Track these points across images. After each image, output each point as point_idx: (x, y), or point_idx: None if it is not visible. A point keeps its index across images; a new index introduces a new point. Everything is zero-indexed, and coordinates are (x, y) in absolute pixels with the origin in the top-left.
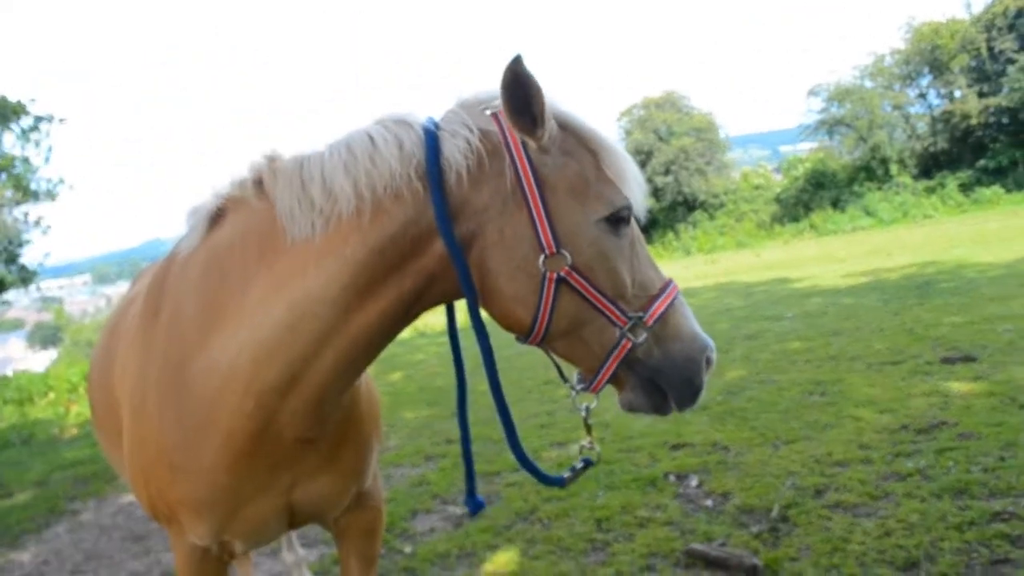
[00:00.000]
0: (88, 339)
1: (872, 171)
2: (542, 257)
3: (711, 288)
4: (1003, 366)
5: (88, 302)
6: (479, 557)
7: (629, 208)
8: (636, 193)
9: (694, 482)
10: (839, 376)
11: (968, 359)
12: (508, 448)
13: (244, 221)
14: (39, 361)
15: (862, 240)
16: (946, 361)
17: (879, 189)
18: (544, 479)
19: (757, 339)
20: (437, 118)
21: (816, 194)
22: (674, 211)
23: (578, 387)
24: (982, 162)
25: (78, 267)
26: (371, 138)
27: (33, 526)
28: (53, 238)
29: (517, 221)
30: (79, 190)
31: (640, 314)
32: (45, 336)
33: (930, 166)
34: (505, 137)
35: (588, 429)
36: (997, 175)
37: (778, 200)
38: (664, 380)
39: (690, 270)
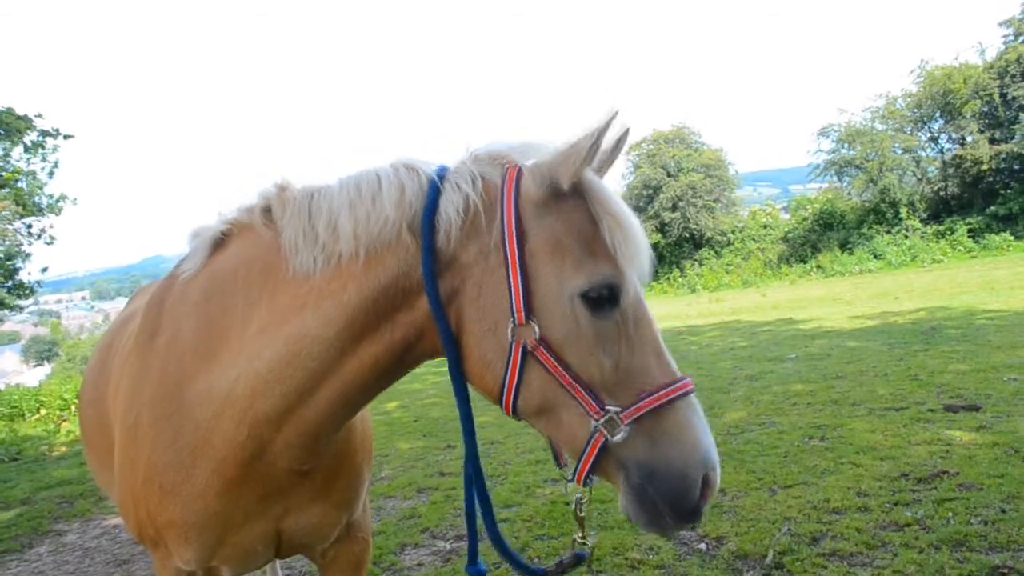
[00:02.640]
0: (84, 355)
1: (881, 213)
2: (511, 324)
3: (715, 326)
4: (1007, 416)
5: (86, 317)
6: None
7: (611, 287)
8: (638, 271)
9: None
10: (840, 421)
11: (972, 408)
12: (487, 531)
13: (249, 248)
14: (33, 376)
15: (869, 283)
16: (949, 409)
17: (888, 232)
18: (525, 570)
19: (759, 380)
20: (449, 166)
21: (824, 235)
22: (680, 247)
23: (569, 476)
24: (992, 208)
25: (77, 282)
26: (379, 181)
27: (16, 545)
28: (53, 251)
29: (495, 281)
30: (81, 204)
31: (618, 408)
32: (40, 351)
33: (940, 210)
34: (503, 192)
35: (579, 522)
36: (1007, 222)
37: (785, 240)
38: (655, 489)
39: (694, 308)
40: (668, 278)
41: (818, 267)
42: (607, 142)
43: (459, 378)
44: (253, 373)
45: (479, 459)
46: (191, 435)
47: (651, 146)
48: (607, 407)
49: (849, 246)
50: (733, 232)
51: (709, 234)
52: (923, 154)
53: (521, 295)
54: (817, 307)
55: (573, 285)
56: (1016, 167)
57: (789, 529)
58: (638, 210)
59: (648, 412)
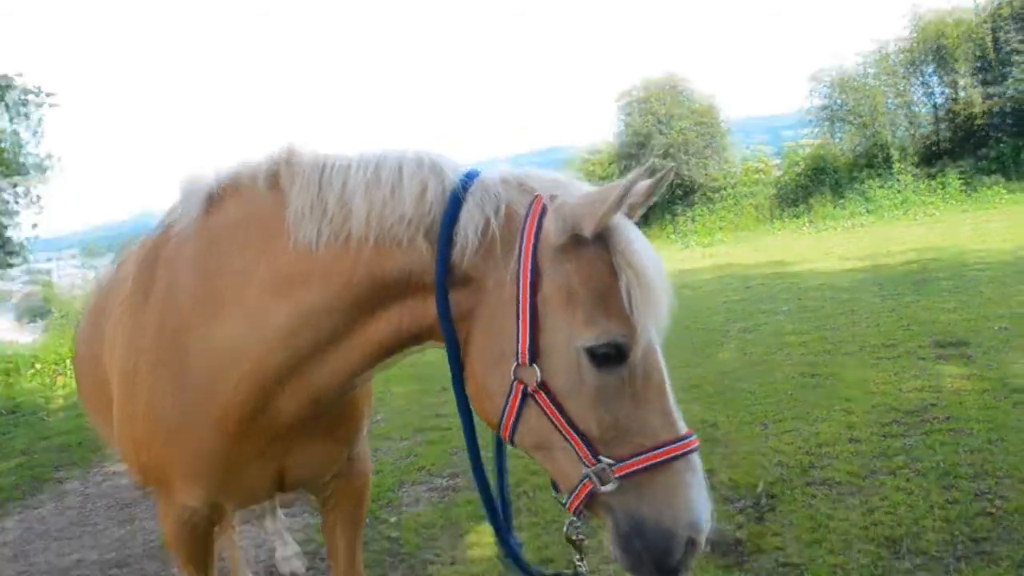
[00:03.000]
0: (77, 312)
1: (873, 163)
2: (514, 364)
3: (709, 280)
4: (996, 359)
5: (77, 275)
6: (463, 528)
7: (619, 347)
8: (655, 327)
9: None
10: (832, 366)
11: (962, 351)
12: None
13: (249, 209)
14: (27, 334)
15: (861, 232)
16: (940, 353)
17: (881, 184)
18: (523, 567)
19: (753, 331)
20: (476, 176)
21: (816, 185)
22: (672, 198)
23: (563, 500)
24: (984, 155)
25: (67, 241)
26: (400, 170)
27: (18, 494)
28: (42, 211)
29: (504, 316)
30: (69, 163)
31: (611, 461)
32: (33, 310)
33: (932, 159)
34: (524, 227)
35: (574, 546)
36: (1000, 170)
37: (777, 190)
38: (641, 542)
39: (687, 261)
40: (660, 229)
41: (810, 218)
42: (642, 187)
43: (462, 394)
44: (258, 337)
45: (484, 472)
46: (193, 385)
47: (641, 93)
48: (600, 458)
49: (841, 195)
50: (725, 186)
51: (701, 185)
52: (916, 103)
53: (528, 338)
54: (810, 257)
55: (581, 339)
56: (1009, 115)
57: (780, 462)
58: (629, 160)
59: (640, 469)
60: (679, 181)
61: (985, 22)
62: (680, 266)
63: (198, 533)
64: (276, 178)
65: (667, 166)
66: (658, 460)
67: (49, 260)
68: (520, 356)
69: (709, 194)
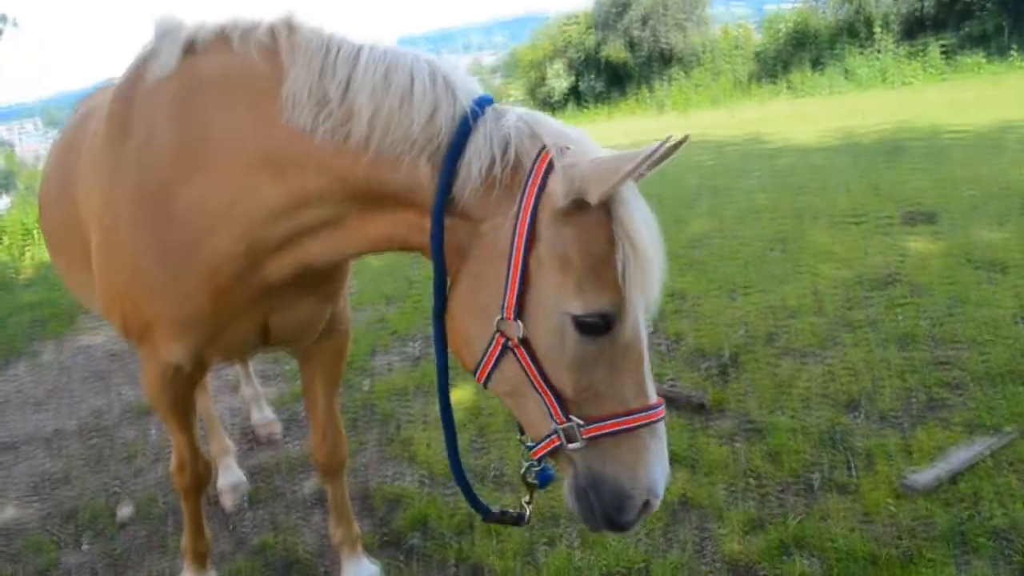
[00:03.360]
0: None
1: (855, 31)
2: (498, 317)
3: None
4: (962, 227)
5: (40, 146)
6: (435, 393)
7: (606, 317)
8: (645, 302)
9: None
10: (801, 231)
11: (929, 219)
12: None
13: (238, 68)
14: None
15: (839, 102)
16: (907, 220)
17: (860, 51)
18: (474, 501)
19: (724, 195)
20: (488, 103)
21: (796, 53)
22: (649, 65)
23: (528, 441)
24: (967, 28)
25: (27, 109)
26: (411, 81)
27: None
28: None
29: (495, 267)
30: (26, 26)
31: (581, 422)
32: None
33: (914, 29)
34: (527, 182)
35: (527, 487)
36: (981, 42)
37: (757, 58)
38: (596, 496)
39: (662, 125)
40: (637, 96)
41: (788, 86)
42: (656, 156)
43: (441, 327)
44: (253, 206)
45: (450, 406)
46: (181, 242)
47: None
48: (571, 417)
49: (821, 65)
50: (704, 51)
51: (679, 52)
52: None
53: (515, 296)
54: (785, 125)
55: (569, 306)
56: None
57: (746, 329)
58: (607, 27)
59: (607, 434)
60: (657, 48)
61: None
62: (654, 135)
63: (181, 386)
64: (274, 49)
65: (682, 135)
66: (624, 428)
67: (10, 131)
68: (505, 311)
69: (688, 57)
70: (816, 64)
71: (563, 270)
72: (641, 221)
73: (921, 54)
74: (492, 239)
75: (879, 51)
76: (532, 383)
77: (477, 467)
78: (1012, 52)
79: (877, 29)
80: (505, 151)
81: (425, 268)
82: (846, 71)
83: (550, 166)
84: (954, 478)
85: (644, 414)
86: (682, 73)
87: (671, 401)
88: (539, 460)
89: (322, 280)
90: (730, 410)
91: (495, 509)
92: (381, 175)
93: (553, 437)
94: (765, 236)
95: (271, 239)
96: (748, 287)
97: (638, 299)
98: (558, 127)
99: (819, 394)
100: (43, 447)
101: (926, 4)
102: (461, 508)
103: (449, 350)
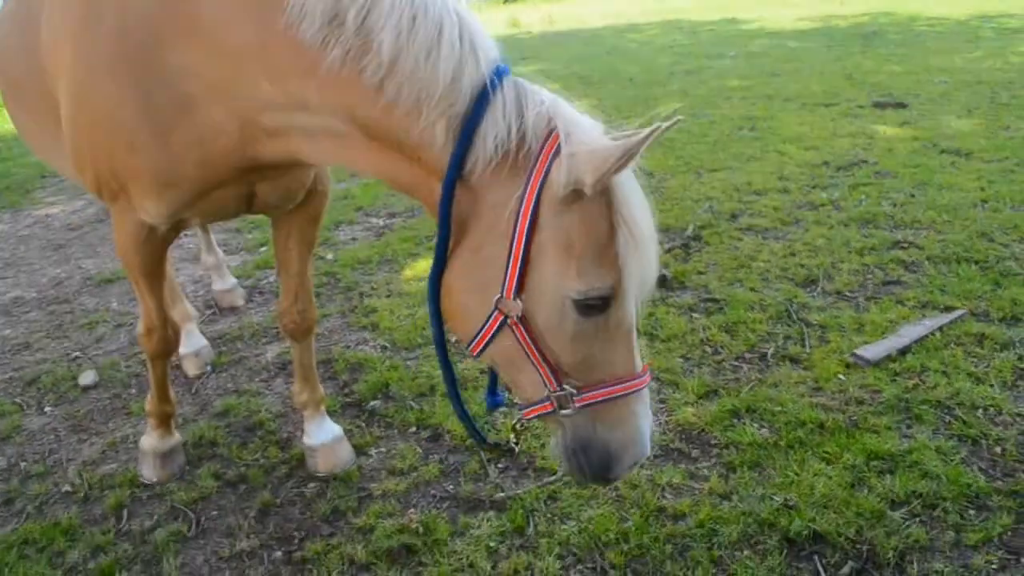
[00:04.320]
0: None
1: None
2: (498, 295)
3: (656, 24)
4: (931, 114)
5: None
6: (399, 264)
7: (605, 299)
8: (641, 284)
9: None
10: (772, 114)
11: (899, 105)
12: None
13: None
14: None
15: None
16: (877, 106)
17: None
18: (473, 431)
19: (696, 75)
20: (505, 73)
21: None
22: None
23: (520, 405)
24: None
25: None
26: (440, 34)
27: None
28: None
29: (496, 248)
30: None
31: (574, 391)
32: None
33: None
34: (533, 167)
35: (516, 434)
36: None
37: None
38: (585, 457)
39: (637, 6)
40: None
41: None
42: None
43: (437, 292)
44: (249, 94)
45: (445, 345)
46: (168, 103)
47: None
48: (564, 385)
49: None
50: None
51: None
52: None
53: (516, 277)
54: (762, 8)
55: (571, 289)
56: None
57: (711, 207)
58: None
59: (599, 401)
60: None
61: None
62: (630, 20)
63: (155, 246)
64: None
65: (674, 119)
66: (614, 395)
67: None
68: (506, 290)
69: None
70: None
71: (565, 255)
72: (638, 207)
73: None
74: (495, 218)
75: None
76: (529, 357)
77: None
78: None
79: None
80: (519, 129)
81: None
82: None
83: (556, 151)
84: (903, 351)
85: (632, 382)
86: None
87: None
88: (528, 419)
89: None
90: (691, 284)
91: (490, 438)
92: (392, 122)
93: (546, 403)
94: (735, 117)
95: (266, 126)
96: (715, 167)
97: (635, 281)
98: (571, 113)
99: (779, 270)
100: (2, 315)
101: None
102: (422, 373)
103: (443, 316)
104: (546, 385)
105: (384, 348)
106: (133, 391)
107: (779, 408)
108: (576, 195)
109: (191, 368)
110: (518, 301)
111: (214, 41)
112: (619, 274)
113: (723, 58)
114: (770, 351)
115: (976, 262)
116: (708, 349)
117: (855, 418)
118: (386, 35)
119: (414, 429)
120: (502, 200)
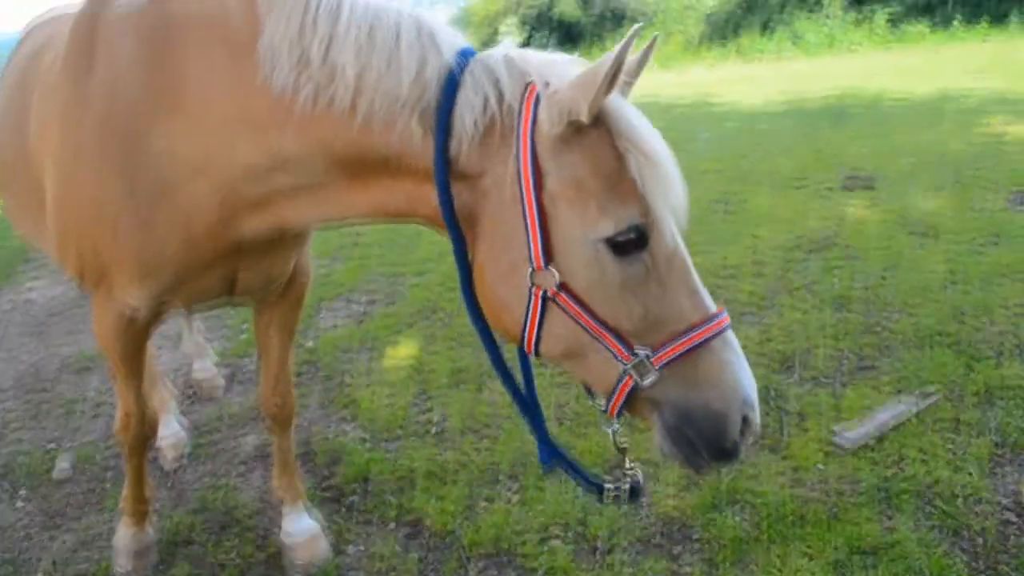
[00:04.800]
0: None
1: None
2: (529, 270)
3: (631, 103)
4: (899, 193)
5: None
6: (380, 350)
7: (639, 229)
8: (671, 208)
9: None
10: (744, 195)
11: (867, 185)
12: (532, 434)
13: (214, 16)
14: None
15: (786, 66)
16: (847, 186)
17: (809, 16)
18: (584, 479)
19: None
20: (471, 55)
21: (746, 17)
22: (602, 24)
23: (602, 407)
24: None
25: None
26: (398, 37)
27: None
28: None
29: (510, 219)
30: None
31: (648, 352)
32: None
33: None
34: (519, 119)
35: (620, 451)
36: (925, 11)
37: (707, 20)
38: (693, 430)
39: None
40: (588, 55)
41: (737, 50)
42: (631, 61)
43: (472, 299)
44: (229, 163)
45: (512, 377)
46: (151, 187)
47: None
48: (636, 351)
49: (770, 29)
50: (655, 11)
51: (631, 11)
52: None
53: (539, 241)
54: (733, 88)
55: (598, 230)
56: None
57: None
58: None
59: (681, 354)
60: (609, 6)
61: None
62: None
63: (136, 332)
64: None
65: (652, 36)
66: (696, 343)
67: None
68: (534, 260)
69: (639, 21)
70: (765, 28)
71: (580, 197)
72: (642, 127)
73: (868, 21)
74: (498, 192)
75: (827, 17)
76: (586, 328)
77: (420, 421)
78: (955, 22)
79: None
80: (497, 97)
81: (373, 232)
82: (795, 36)
83: (538, 100)
84: (881, 437)
85: (709, 325)
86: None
87: None
88: (619, 415)
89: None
90: None
91: (610, 487)
92: (371, 140)
93: (625, 379)
94: (709, 198)
95: (247, 196)
96: (690, 245)
97: (664, 205)
98: (542, 58)
99: (755, 355)
100: None
101: None
102: (402, 464)
103: (489, 325)
104: (617, 357)
105: (363, 437)
106: (108, 485)
107: (760, 499)
108: (573, 133)
109: (168, 457)
110: (551, 269)
111: (198, 114)
112: (644, 201)
113: (696, 139)
114: None
115: (948, 344)
116: None
117: (836, 508)
118: (347, 56)
119: (393, 525)
120: (499, 171)
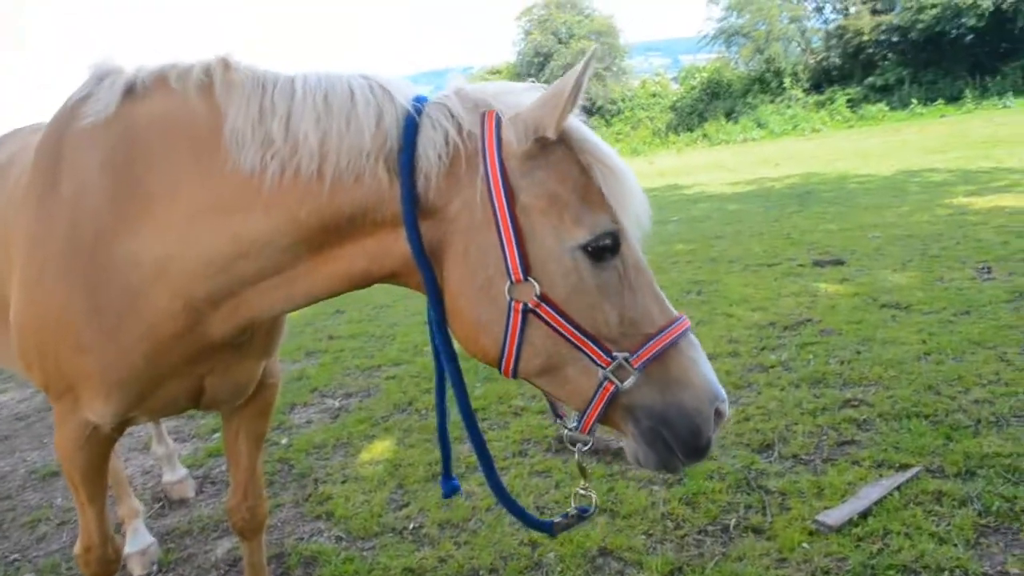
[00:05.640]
0: None
1: (766, 83)
2: (507, 284)
3: None
4: (868, 269)
5: None
6: (355, 447)
7: (613, 235)
8: (635, 217)
9: None
10: (717, 277)
11: (837, 263)
12: (485, 481)
13: (179, 112)
14: None
15: (752, 151)
16: (817, 264)
17: (772, 101)
18: (531, 523)
19: (641, 241)
20: (426, 99)
21: (711, 104)
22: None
23: (570, 424)
24: (871, 79)
25: None
26: (352, 97)
27: None
28: None
29: (484, 239)
30: None
31: (626, 354)
32: None
33: (821, 80)
34: (483, 142)
35: (582, 472)
36: (884, 92)
37: (674, 109)
38: (668, 431)
39: None
40: None
41: (704, 136)
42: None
43: (445, 338)
44: (192, 257)
45: (474, 416)
46: (115, 298)
47: (542, 11)
48: (615, 355)
49: (735, 115)
50: (623, 101)
51: (600, 103)
52: (808, 24)
53: (516, 254)
54: (702, 174)
55: (574, 239)
56: (895, 39)
57: None
58: (529, 79)
59: (655, 355)
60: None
61: None
62: None
63: (98, 447)
64: (210, 89)
65: (591, 51)
66: (667, 343)
67: None
68: (512, 274)
69: (608, 107)
70: (730, 114)
71: (554, 209)
72: (601, 143)
73: (829, 104)
74: (469, 213)
75: (789, 101)
76: (566, 337)
77: (397, 520)
78: (913, 102)
79: (787, 81)
80: (459, 128)
81: (348, 317)
82: (759, 121)
83: (499, 122)
84: (864, 515)
85: (675, 326)
86: (603, 123)
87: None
88: (592, 431)
89: (260, 336)
90: None
91: (556, 518)
92: (339, 201)
93: (605, 385)
94: (683, 281)
95: (213, 293)
96: None
97: (629, 213)
98: (498, 87)
99: (734, 436)
100: None
101: (832, 56)
102: (379, 565)
103: (465, 352)
104: (597, 363)
105: (339, 539)
106: None
107: None
108: (539, 150)
109: (137, 568)
110: (530, 280)
111: (165, 214)
112: (611, 209)
113: (667, 224)
114: (732, 522)
115: (926, 416)
116: (670, 523)
117: None
118: (308, 125)
119: None
120: (469, 193)
